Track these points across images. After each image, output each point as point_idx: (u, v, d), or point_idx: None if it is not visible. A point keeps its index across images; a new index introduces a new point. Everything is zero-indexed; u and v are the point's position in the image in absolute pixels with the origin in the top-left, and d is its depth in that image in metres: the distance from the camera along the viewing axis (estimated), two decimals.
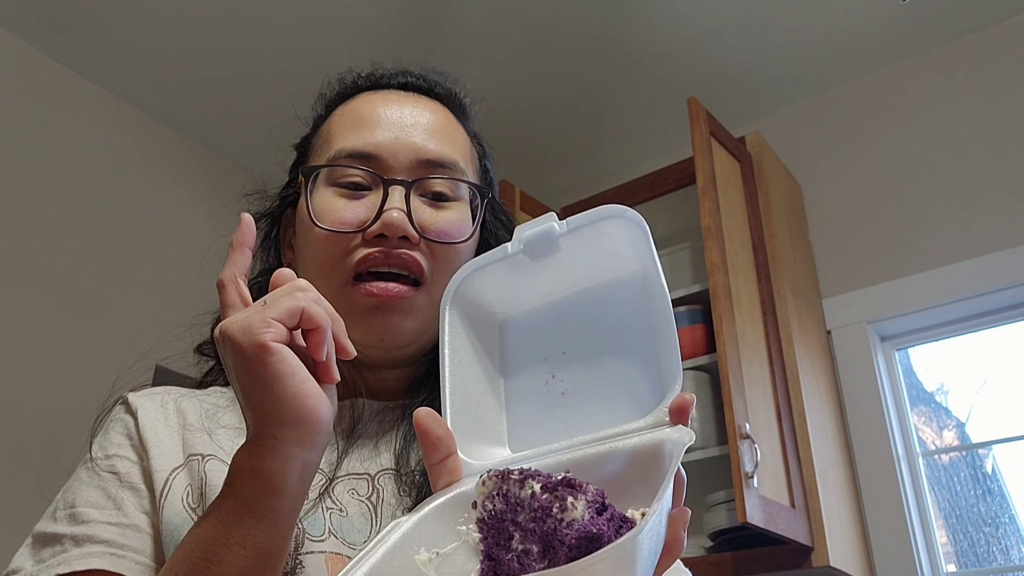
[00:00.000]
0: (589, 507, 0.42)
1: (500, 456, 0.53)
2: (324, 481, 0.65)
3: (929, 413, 2.19)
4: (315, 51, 2.28)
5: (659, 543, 0.41)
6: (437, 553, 0.47)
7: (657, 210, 2.31)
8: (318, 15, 2.19)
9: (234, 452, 0.63)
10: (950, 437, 2.17)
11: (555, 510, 0.42)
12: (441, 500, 0.49)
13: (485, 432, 0.54)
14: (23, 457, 1.87)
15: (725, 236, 1.90)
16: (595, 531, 0.41)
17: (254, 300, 0.78)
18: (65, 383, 2.01)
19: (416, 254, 0.68)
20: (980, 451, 2.06)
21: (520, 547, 0.44)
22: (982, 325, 2.09)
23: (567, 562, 0.41)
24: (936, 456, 2.10)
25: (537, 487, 0.44)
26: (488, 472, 0.46)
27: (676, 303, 2.08)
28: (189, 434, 0.66)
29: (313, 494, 0.63)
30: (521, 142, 2.64)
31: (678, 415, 0.48)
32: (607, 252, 0.54)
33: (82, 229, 2.23)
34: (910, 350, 2.21)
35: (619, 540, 0.35)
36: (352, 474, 0.67)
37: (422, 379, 0.75)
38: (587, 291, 0.56)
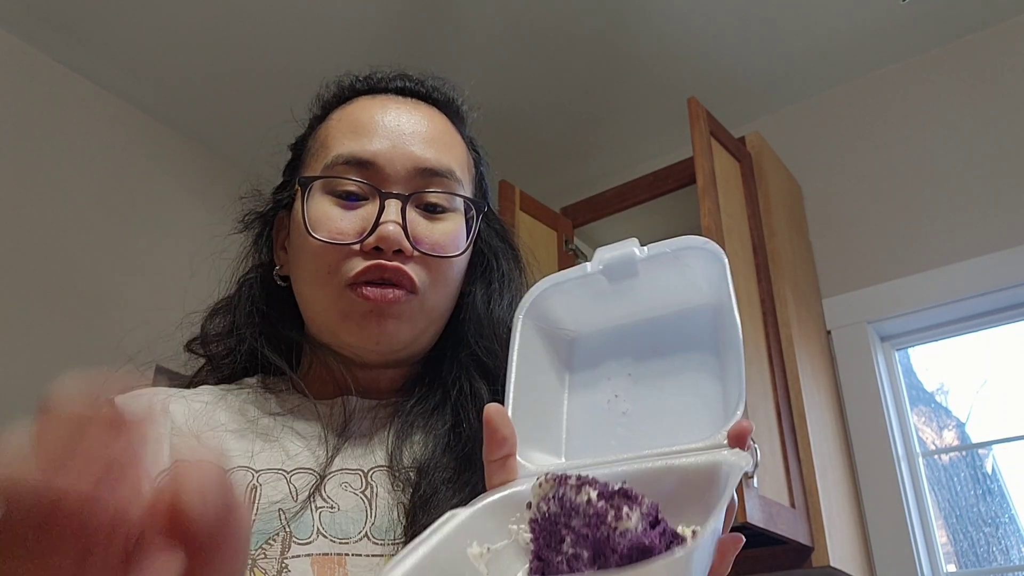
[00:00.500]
0: (643, 519, 0.42)
1: (556, 463, 0.54)
2: (315, 479, 0.65)
3: (929, 413, 2.19)
4: (315, 51, 2.28)
5: (708, 565, 0.41)
6: (488, 548, 0.47)
7: (657, 210, 2.31)
8: (318, 15, 2.19)
9: (220, 454, 0.62)
10: (950, 437, 2.17)
11: (609, 518, 0.43)
12: (496, 497, 0.49)
13: (542, 439, 0.54)
14: None
15: (725, 236, 1.90)
16: (647, 543, 0.42)
17: (243, 297, 0.76)
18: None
19: (409, 268, 0.68)
20: (980, 451, 2.06)
21: (571, 551, 0.44)
22: (982, 325, 2.09)
23: (616, 569, 0.41)
24: (936, 456, 2.10)
25: (593, 494, 0.44)
26: (546, 475, 0.47)
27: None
28: (177, 439, 0.65)
29: (303, 495, 0.63)
30: (521, 142, 2.64)
31: (736, 439, 0.48)
32: (683, 281, 0.55)
33: (81, 228, 2.23)
34: (910, 350, 2.21)
35: (675, 553, 0.35)
36: (345, 469, 0.67)
37: (416, 378, 0.75)
38: (658, 317, 0.57)
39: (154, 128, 2.49)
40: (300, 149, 0.79)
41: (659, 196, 2.23)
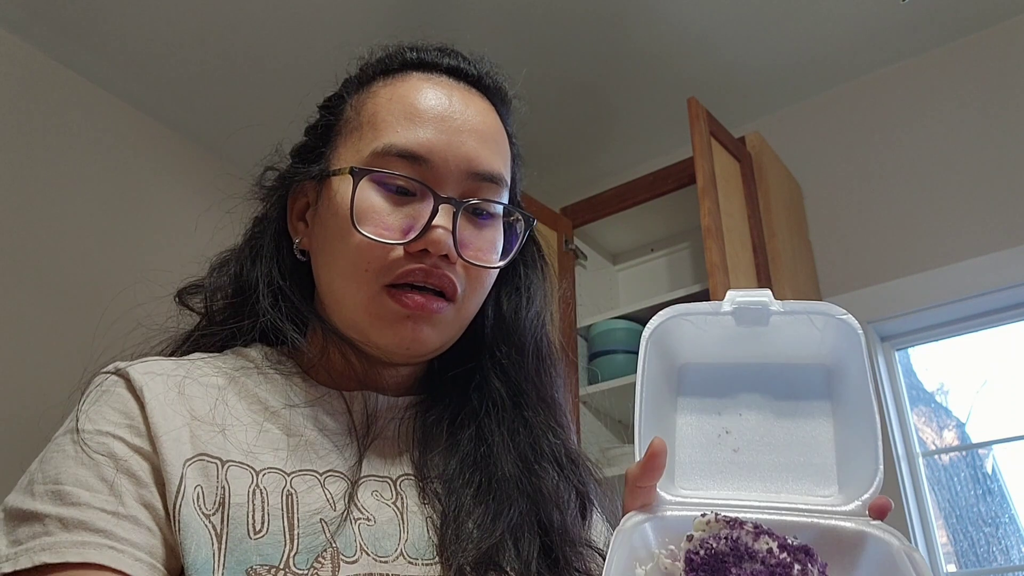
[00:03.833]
0: None
1: (676, 492, 0.56)
2: (347, 486, 0.63)
3: (929, 413, 2.19)
4: (316, 51, 2.28)
5: None
6: (644, 571, 0.50)
7: (657, 210, 2.31)
8: (318, 16, 2.19)
9: (248, 452, 0.61)
10: (950, 437, 2.17)
11: (795, 572, 0.46)
12: (642, 517, 0.52)
13: None
14: (18, 452, 1.87)
15: (725, 236, 1.90)
16: None
17: (256, 256, 0.73)
18: (61, 382, 2.01)
19: (452, 274, 0.67)
20: (980, 451, 2.06)
21: None
22: (982, 325, 2.09)
23: None
24: (936, 456, 2.10)
25: (774, 544, 0.47)
26: (715, 514, 0.50)
27: (676, 304, 2.11)
28: (198, 427, 0.61)
29: (340, 503, 0.61)
30: (520, 142, 2.63)
31: (878, 512, 0.49)
32: (805, 341, 0.57)
33: (81, 228, 2.23)
34: (910, 350, 2.21)
35: None
36: (374, 476, 0.66)
37: (435, 374, 0.74)
38: (772, 366, 0.59)
39: (155, 128, 2.49)
40: (335, 116, 0.74)
41: (659, 196, 2.23)
